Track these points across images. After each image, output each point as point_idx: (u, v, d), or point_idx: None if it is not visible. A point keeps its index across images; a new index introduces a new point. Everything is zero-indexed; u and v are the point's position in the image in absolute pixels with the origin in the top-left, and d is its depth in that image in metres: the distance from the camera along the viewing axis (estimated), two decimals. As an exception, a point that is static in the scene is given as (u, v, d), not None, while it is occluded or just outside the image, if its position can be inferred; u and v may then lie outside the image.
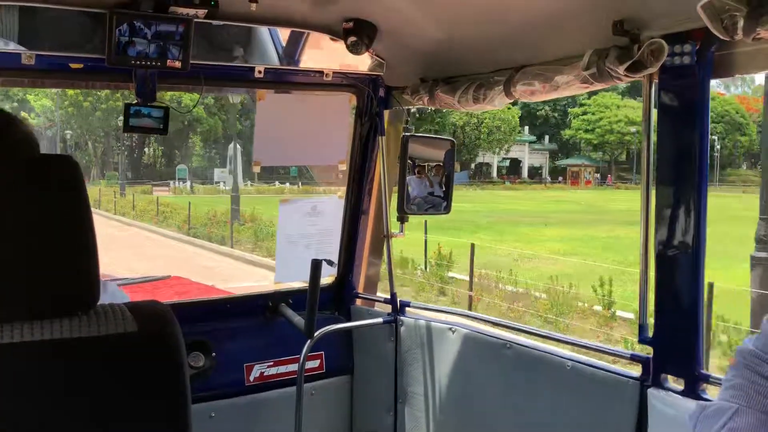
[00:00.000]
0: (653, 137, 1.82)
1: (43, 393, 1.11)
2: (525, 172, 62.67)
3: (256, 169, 2.58)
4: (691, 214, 1.74)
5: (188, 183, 43.33)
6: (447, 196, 2.71)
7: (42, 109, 42.58)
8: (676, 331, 1.78)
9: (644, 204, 1.83)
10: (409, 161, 2.62)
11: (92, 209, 1.18)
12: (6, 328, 1.09)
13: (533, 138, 63.07)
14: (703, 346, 1.76)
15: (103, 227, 21.20)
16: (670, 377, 1.82)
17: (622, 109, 58.93)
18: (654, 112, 1.80)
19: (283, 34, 2.85)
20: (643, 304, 1.88)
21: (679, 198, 1.76)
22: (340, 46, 2.39)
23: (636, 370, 1.93)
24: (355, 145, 2.80)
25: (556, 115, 63.04)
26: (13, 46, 2.07)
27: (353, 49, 2.32)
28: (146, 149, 51.11)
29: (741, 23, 1.46)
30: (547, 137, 63.96)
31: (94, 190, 32.88)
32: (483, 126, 54.48)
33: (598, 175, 61.76)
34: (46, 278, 1.12)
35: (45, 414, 1.10)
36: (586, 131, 60.01)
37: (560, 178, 61.29)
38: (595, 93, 55.67)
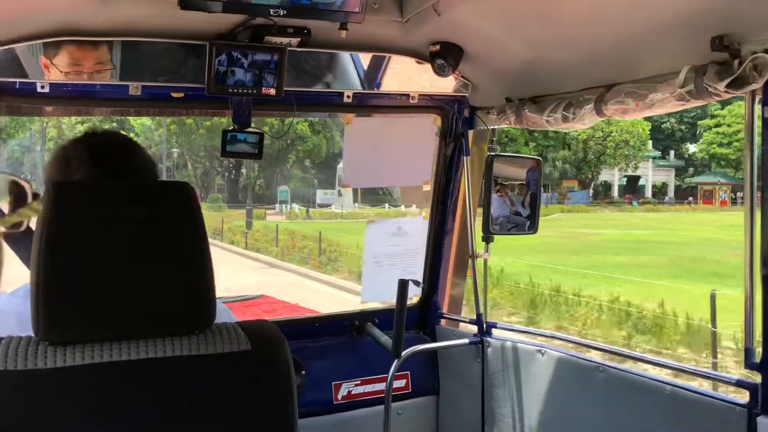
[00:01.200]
0: (757, 154, 1.76)
1: (160, 406, 1.17)
2: (649, 191, 57.43)
3: (346, 191, 2.65)
4: None
5: (291, 206, 40.91)
6: (533, 216, 2.69)
7: (141, 129, 42.12)
8: None
9: (748, 224, 1.77)
10: (493, 181, 2.62)
11: (216, 241, 1.24)
12: (132, 345, 1.16)
13: (657, 153, 58.04)
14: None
15: (243, 270, 15.97)
16: None
17: (764, 118, 53.61)
18: (758, 129, 1.73)
19: (367, 58, 2.93)
20: (749, 327, 1.81)
21: None
22: (424, 68, 2.42)
23: (741, 397, 1.85)
24: (439, 165, 2.82)
25: (682, 128, 57.76)
26: (121, 78, 2.21)
27: (440, 71, 2.34)
28: (243, 170, 48.48)
29: None
30: (672, 152, 58.89)
31: (213, 218, 27.71)
32: (609, 140, 50.15)
33: (739, 194, 53.67)
34: (167, 299, 1.18)
35: (160, 428, 1.16)
36: (721, 145, 53.69)
37: (690, 198, 54.67)
38: (729, 102, 49.58)
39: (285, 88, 2.22)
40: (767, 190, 1.72)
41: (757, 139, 1.74)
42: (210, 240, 1.24)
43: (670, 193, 57.46)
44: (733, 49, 1.67)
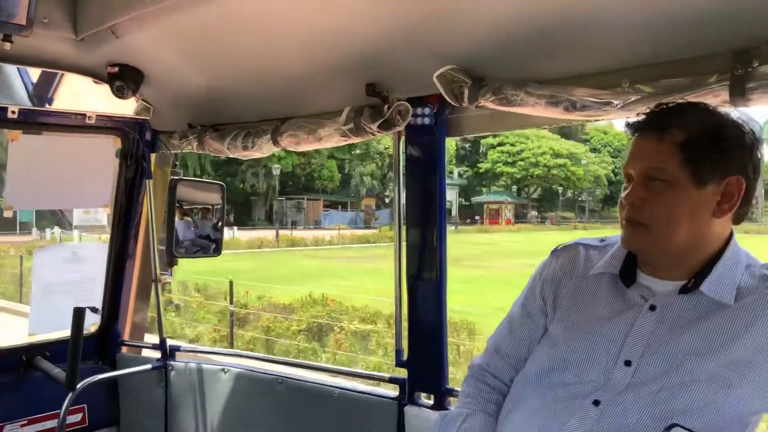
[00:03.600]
0: (403, 184, 2.08)
1: None
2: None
3: (8, 214, 2.41)
4: (434, 250, 2.00)
5: (70, 230, 23.19)
6: (218, 239, 2.75)
7: None
8: (425, 354, 2.03)
9: (397, 242, 2.08)
10: (178, 205, 2.63)
11: None
12: None
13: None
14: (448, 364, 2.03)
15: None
16: (423, 395, 2.06)
17: (544, 140, 52.78)
18: (402, 164, 2.06)
19: (37, 72, 2.72)
20: (399, 331, 2.12)
21: (424, 237, 2.03)
22: (103, 88, 2.35)
23: (394, 391, 2.15)
24: (120, 188, 2.74)
25: (466, 146, 56.52)
26: None
27: (119, 93, 2.30)
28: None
29: (466, 93, 1.77)
30: (456, 171, 56.80)
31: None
32: (417, 155, 47.25)
33: (535, 213, 54.32)
34: None
35: None
36: (506, 164, 53.64)
37: (477, 217, 53.09)
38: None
39: None
40: (410, 214, 2.05)
41: (402, 171, 2.06)
42: None
43: (454, 211, 54.50)
44: (383, 96, 1.97)
